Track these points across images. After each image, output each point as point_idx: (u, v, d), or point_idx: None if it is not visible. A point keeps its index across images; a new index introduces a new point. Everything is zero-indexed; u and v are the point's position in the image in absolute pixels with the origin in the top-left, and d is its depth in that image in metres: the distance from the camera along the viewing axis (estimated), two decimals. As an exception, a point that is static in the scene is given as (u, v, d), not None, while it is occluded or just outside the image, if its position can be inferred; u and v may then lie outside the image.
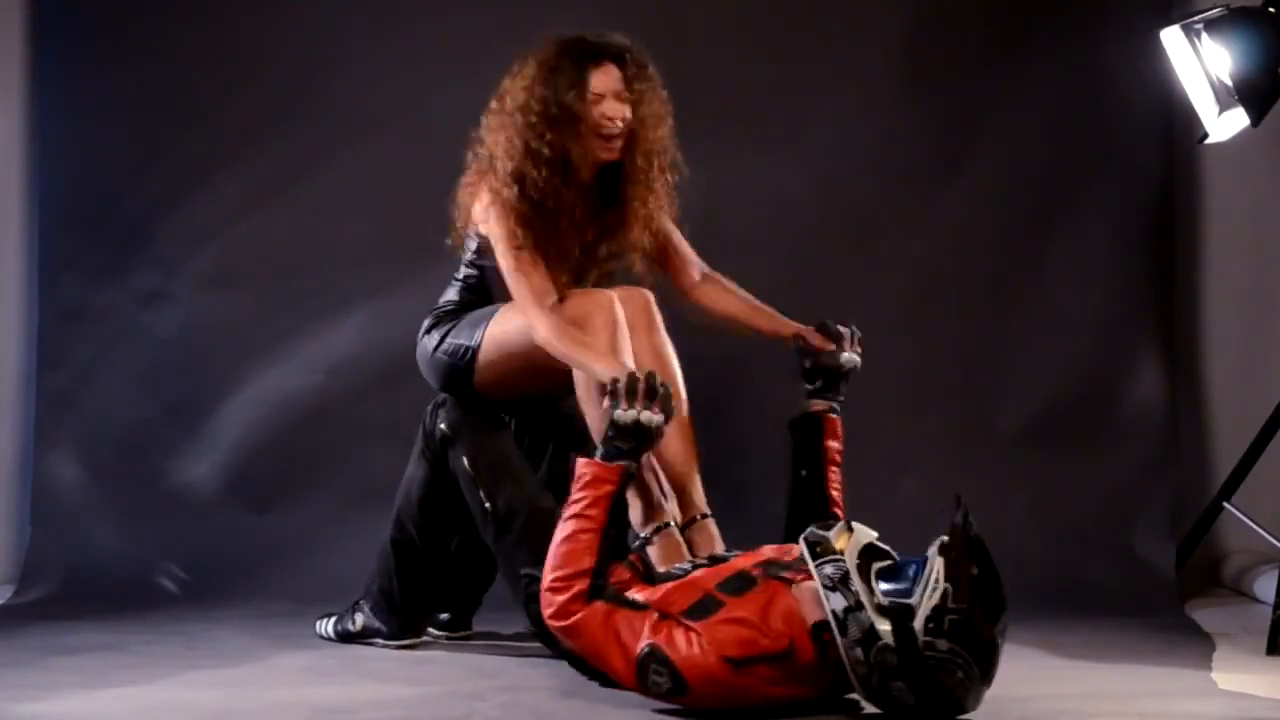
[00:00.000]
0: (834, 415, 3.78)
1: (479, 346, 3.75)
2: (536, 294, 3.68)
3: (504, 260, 3.74)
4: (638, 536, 3.58)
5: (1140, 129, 4.72)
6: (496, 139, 3.76)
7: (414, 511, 3.82)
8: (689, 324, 3.90)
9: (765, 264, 4.54)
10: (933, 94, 4.71)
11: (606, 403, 3.44)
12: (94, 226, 4.70)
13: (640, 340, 3.71)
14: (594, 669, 3.42)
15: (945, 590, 2.98)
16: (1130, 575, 4.56)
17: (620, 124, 3.75)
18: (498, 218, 3.74)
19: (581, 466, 3.43)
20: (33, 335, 4.71)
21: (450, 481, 3.76)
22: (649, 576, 3.46)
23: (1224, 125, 4.03)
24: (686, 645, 3.18)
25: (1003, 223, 4.74)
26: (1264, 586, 4.43)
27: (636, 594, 3.36)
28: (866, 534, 3.16)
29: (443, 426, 3.76)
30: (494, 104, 3.80)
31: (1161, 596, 4.45)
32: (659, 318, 3.76)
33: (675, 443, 3.65)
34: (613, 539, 3.40)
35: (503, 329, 3.74)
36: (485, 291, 3.83)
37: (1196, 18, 3.96)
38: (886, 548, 3.14)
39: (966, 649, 2.98)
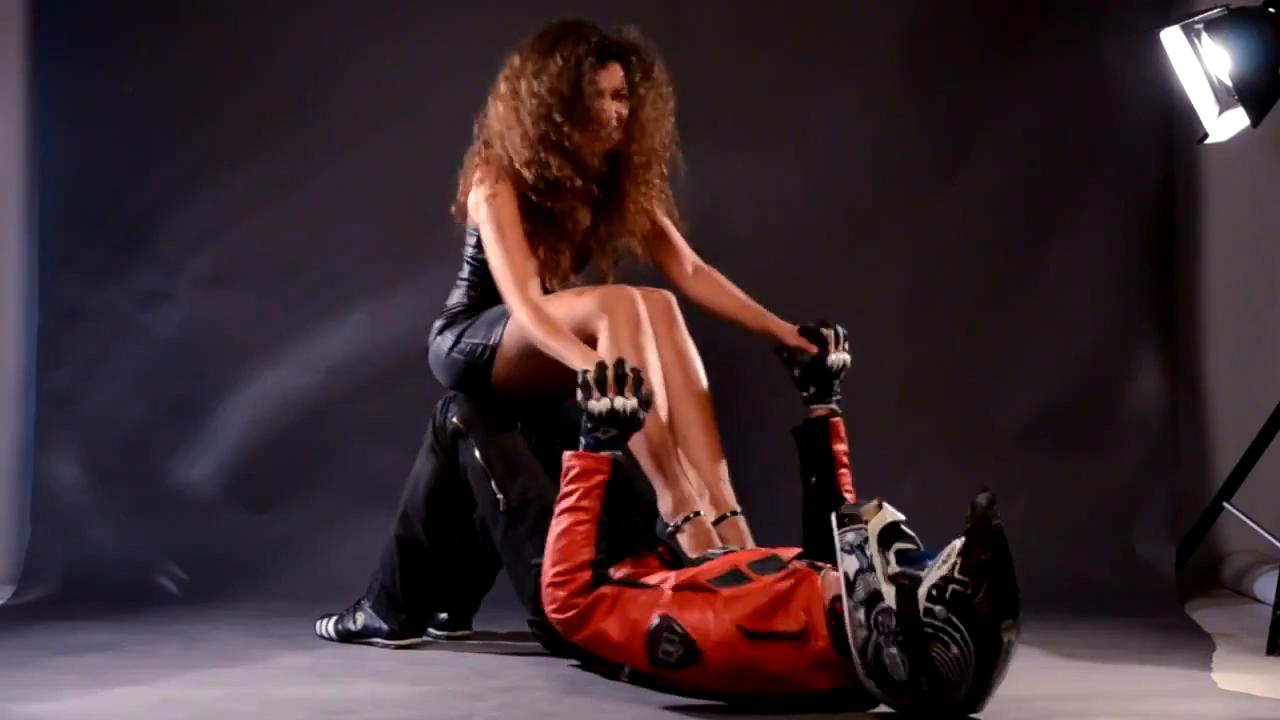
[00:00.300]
0: (836, 418, 3.77)
1: (498, 345, 3.75)
2: (519, 281, 3.71)
3: (490, 245, 3.76)
4: (667, 525, 3.59)
5: (1140, 129, 4.72)
6: (506, 123, 3.78)
7: (420, 507, 3.82)
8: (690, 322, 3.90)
9: (765, 264, 4.55)
10: (933, 94, 4.71)
11: (580, 395, 3.44)
12: (94, 226, 4.70)
13: (663, 341, 3.71)
14: (596, 661, 3.43)
15: (955, 563, 2.97)
16: (1130, 575, 4.56)
17: (615, 122, 3.78)
18: (490, 201, 3.75)
19: (569, 460, 3.43)
20: (33, 335, 4.71)
21: (458, 478, 3.76)
22: (678, 564, 3.46)
23: (1224, 125, 4.03)
24: (701, 614, 3.18)
25: (1003, 223, 4.74)
26: (1264, 586, 4.43)
27: (652, 579, 3.36)
28: (894, 514, 3.13)
29: (454, 420, 3.76)
30: (503, 86, 3.81)
31: (1161, 596, 4.45)
32: (680, 318, 3.77)
33: (701, 441, 3.67)
34: (608, 528, 3.40)
35: (521, 326, 3.74)
36: (491, 288, 3.83)
37: (1196, 18, 3.96)
38: (912, 533, 3.11)
39: (964, 624, 2.95)
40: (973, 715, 3.06)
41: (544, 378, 3.70)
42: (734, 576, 3.27)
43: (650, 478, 3.65)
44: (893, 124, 4.71)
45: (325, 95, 4.68)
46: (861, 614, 3.05)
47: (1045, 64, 4.71)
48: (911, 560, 3.05)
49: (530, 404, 3.83)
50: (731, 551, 3.46)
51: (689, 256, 3.97)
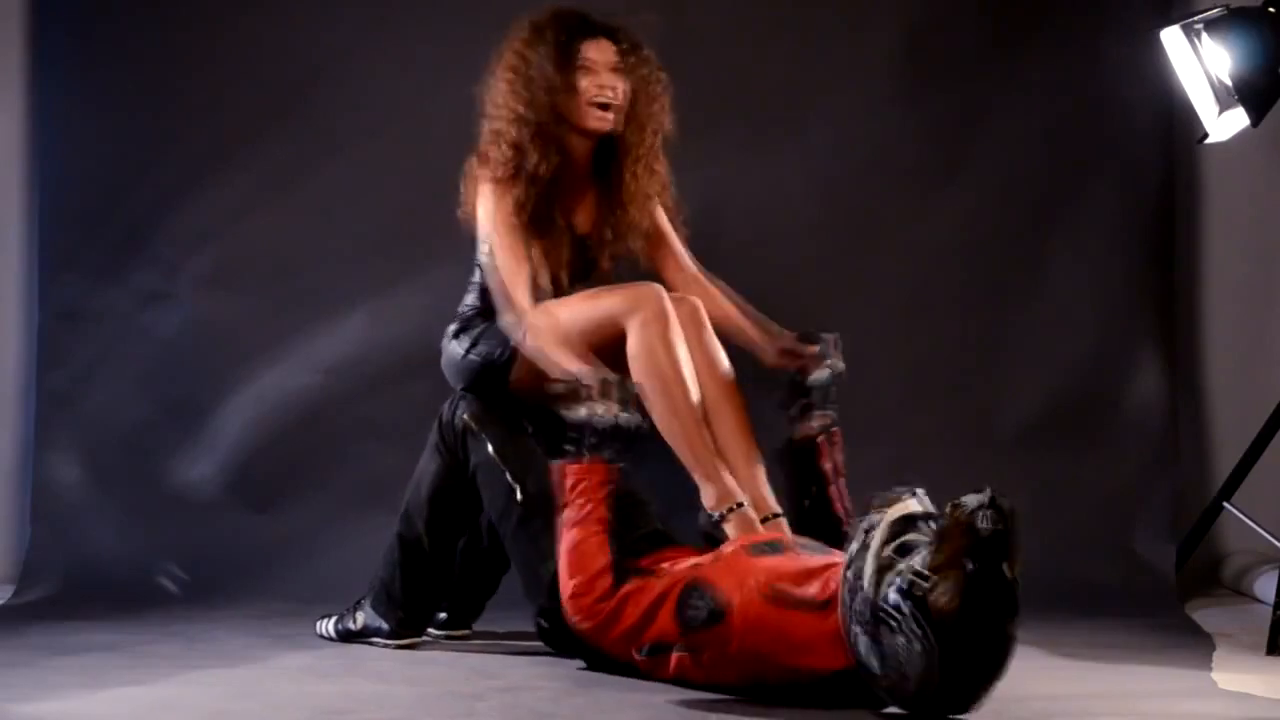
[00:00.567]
0: (822, 436, 3.74)
1: (516, 347, 3.74)
2: (511, 282, 3.72)
3: (483, 243, 3.77)
4: (711, 517, 3.60)
5: (1140, 129, 4.72)
6: (495, 106, 3.81)
7: (423, 507, 3.82)
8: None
9: (765, 264, 4.55)
10: (933, 94, 4.71)
11: (581, 411, 3.45)
12: (94, 226, 4.70)
13: (693, 346, 3.71)
14: (602, 656, 3.44)
15: (924, 556, 2.96)
16: (1130, 575, 4.56)
17: (614, 95, 3.78)
18: (488, 202, 3.76)
19: (574, 475, 3.44)
20: (33, 335, 4.71)
21: (464, 478, 3.76)
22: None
23: (1224, 125, 4.03)
24: (729, 577, 3.21)
25: (1003, 223, 4.74)
26: (1264, 586, 4.43)
27: (681, 563, 3.38)
28: (921, 506, 3.09)
29: (465, 417, 3.75)
30: (493, 72, 3.83)
31: (1161, 596, 4.45)
32: (708, 324, 3.76)
33: (737, 445, 3.68)
34: (616, 530, 3.41)
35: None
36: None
37: (1196, 18, 3.96)
38: (932, 527, 3.06)
39: (919, 618, 2.93)
40: (971, 716, 3.06)
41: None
42: (771, 546, 3.30)
43: (690, 472, 3.65)
44: (893, 124, 4.71)
45: (326, 96, 4.68)
46: (845, 592, 3.05)
47: (1045, 64, 4.71)
48: (909, 549, 3.04)
49: (539, 407, 3.82)
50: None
51: (687, 263, 3.96)
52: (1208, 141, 4.14)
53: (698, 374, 3.70)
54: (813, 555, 3.29)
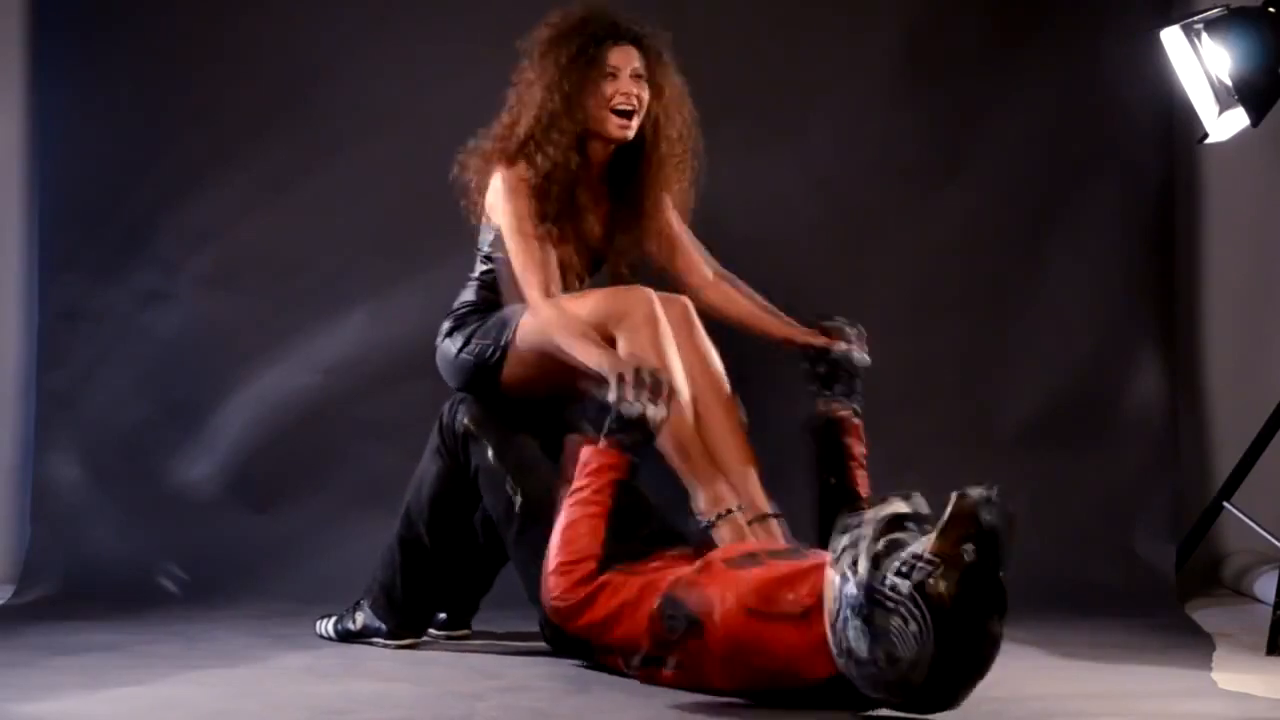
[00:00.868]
0: (857, 419, 3.76)
1: (509, 345, 3.74)
2: (540, 279, 3.71)
3: (511, 241, 3.76)
4: (701, 523, 3.60)
5: (1140, 129, 4.72)
6: (515, 102, 3.80)
7: (424, 509, 3.81)
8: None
9: (764, 264, 4.53)
10: (933, 94, 4.71)
11: (611, 394, 3.44)
12: (94, 226, 4.70)
13: (683, 345, 3.71)
14: (597, 653, 3.43)
15: (929, 543, 2.96)
16: (1130, 575, 4.56)
17: (636, 103, 3.78)
18: (509, 196, 3.76)
19: (588, 454, 3.44)
20: (33, 335, 4.71)
21: (464, 479, 3.76)
22: None
23: (1224, 125, 4.03)
24: (708, 590, 3.20)
25: (1003, 223, 4.74)
26: (1264, 586, 4.43)
27: (665, 569, 3.38)
28: (905, 506, 3.11)
29: (465, 421, 3.75)
30: (517, 73, 3.84)
31: (1161, 596, 4.46)
32: (699, 322, 3.76)
33: (729, 444, 3.68)
34: (615, 524, 3.41)
35: (537, 326, 3.73)
36: (503, 288, 3.83)
37: (1196, 18, 3.97)
38: (917, 528, 3.06)
39: (925, 603, 2.92)
40: (971, 716, 3.06)
41: (555, 379, 3.70)
42: (748, 559, 3.29)
43: (682, 477, 3.65)
44: (893, 124, 4.71)
45: (326, 95, 4.68)
46: (836, 585, 3.05)
47: (1045, 64, 4.71)
48: (898, 547, 3.03)
49: (537, 406, 3.82)
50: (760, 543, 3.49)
51: (705, 262, 3.97)
52: (1208, 141, 4.14)
53: (689, 374, 3.70)
54: (789, 562, 3.27)
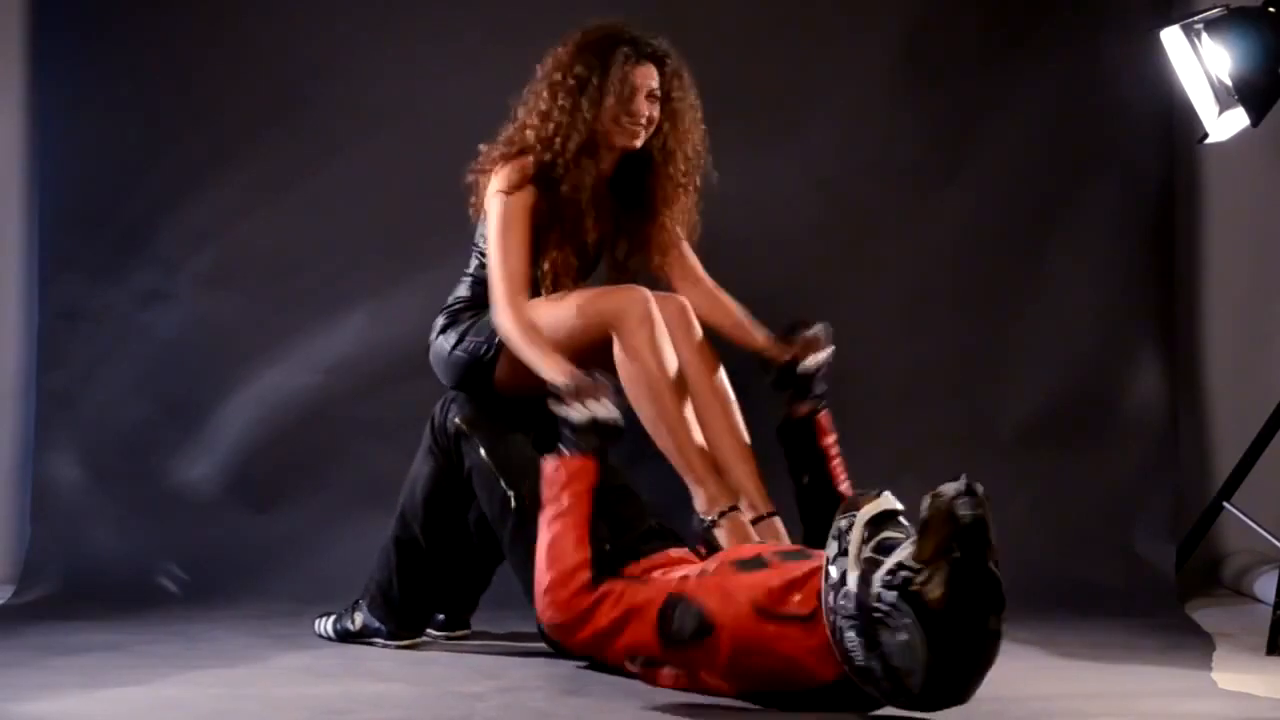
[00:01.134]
0: (819, 413, 3.77)
1: (502, 343, 3.74)
2: (510, 283, 3.73)
3: (492, 239, 3.77)
4: (703, 521, 3.59)
5: (1140, 129, 4.72)
6: (530, 109, 3.82)
7: (418, 509, 3.82)
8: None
9: (764, 264, 4.55)
10: (933, 94, 4.71)
11: (558, 408, 3.47)
12: (94, 226, 4.70)
13: (681, 344, 3.72)
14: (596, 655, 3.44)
15: (911, 549, 2.97)
16: (1130, 575, 4.56)
17: (645, 121, 3.81)
18: (503, 196, 3.76)
19: (551, 468, 3.45)
20: (33, 335, 4.71)
21: (458, 479, 3.76)
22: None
23: (1224, 125, 4.03)
24: (716, 592, 3.20)
25: (1003, 223, 4.74)
26: (1264, 586, 4.43)
27: (669, 572, 3.39)
28: (891, 503, 3.12)
29: (457, 420, 3.75)
30: (538, 81, 3.86)
31: (1161, 596, 4.45)
32: (696, 322, 3.77)
33: (728, 443, 3.68)
34: (597, 526, 3.42)
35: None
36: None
37: (1196, 18, 3.97)
38: (906, 524, 3.08)
39: (913, 611, 2.93)
40: (971, 716, 3.05)
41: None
42: (755, 562, 3.28)
43: (682, 476, 3.66)
44: (893, 124, 4.71)
45: (325, 95, 4.67)
46: (831, 597, 3.05)
47: (1045, 64, 4.71)
48: (888, 549, 3.03)
49: (529, 404, 3.82)
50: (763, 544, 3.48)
51: (696, 270, 3.97)
52: (1208, 141, 4.14)
53: (687, 373, 3.71)
54: (796, 564, 3.27)
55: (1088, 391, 4.73)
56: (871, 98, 4.72)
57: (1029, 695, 3.29)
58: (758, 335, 3.89)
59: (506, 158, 3.83)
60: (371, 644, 3.87)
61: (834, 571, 3.05)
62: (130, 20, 4.70)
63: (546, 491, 3.46)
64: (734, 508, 3.62)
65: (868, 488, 3.15)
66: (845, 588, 3.01)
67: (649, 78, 3.83)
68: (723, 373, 3.76)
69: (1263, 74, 3.87)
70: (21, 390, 4.73)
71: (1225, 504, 4.43)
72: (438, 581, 3.88)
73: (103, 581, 4.51)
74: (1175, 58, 4.03)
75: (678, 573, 3.38)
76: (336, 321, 4.68)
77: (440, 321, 3.89)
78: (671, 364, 3.67)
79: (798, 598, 3.16)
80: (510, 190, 3.79)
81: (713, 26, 4.65)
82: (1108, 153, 4.73)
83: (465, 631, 3.98)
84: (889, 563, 2.97)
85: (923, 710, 3.04)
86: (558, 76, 3.82)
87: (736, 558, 3.35)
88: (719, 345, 3.86)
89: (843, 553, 3.04)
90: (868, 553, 3.02)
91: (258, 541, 4.60)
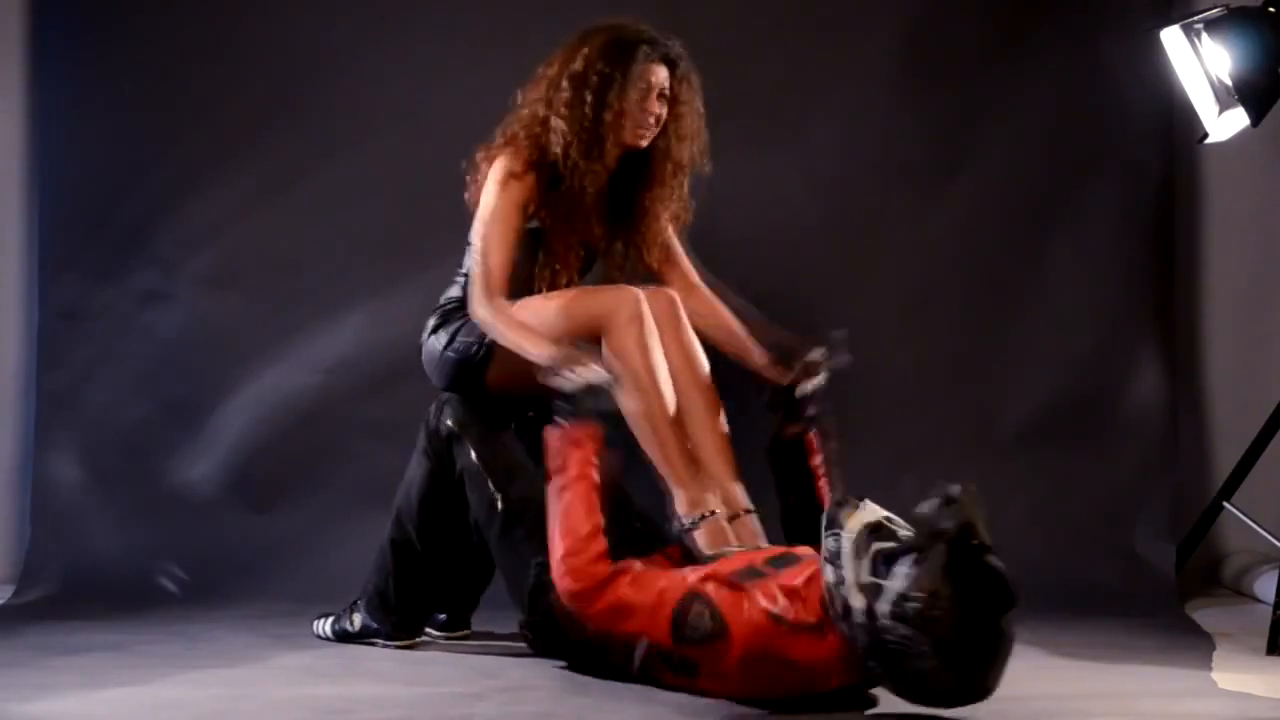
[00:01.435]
0: (809, 433, 3.74)
1: (493, 343, 3.74)
2: (490, 272, 3.73)
3: (480, 229, 3.78)
4: (682, 524, 3.59)
5: (1140, 129, 4.72)
6: (536, 103, 3.82)
7: (414, 511, 3.81)
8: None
9: (764, 264, 4.55)
10: (933, 94, 4.71)
11: (550, 381, 3.47)
12: (94, 226, 4.70)
13: (669, 341, 3.71)
14: (594, 652, 3.43)
15: (911, 576, 2.97)
16: (1130, 575, 4.56)
17: (653, 120, 3.81)
18: (497, 187, 3.77)
19: (554, 439, 3.45)
20: (33, 335, 4.71)
21: (452, 480, 3.76)
22: (690, 563, 3.47)
23: (1224, 125, 4.03)
24: (733, 596, 3.20)
25: (1003, 223, 4.74)
26: (1264, 586, 4.43)
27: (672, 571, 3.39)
28: (874, 513, 3.12)
29: (449, 422, 3.75)
30: (540, 70, 3.85)
31: (1161, 596, 4.45)
32: (685, 318, 3.76)
33: (710, 441, 3.67)
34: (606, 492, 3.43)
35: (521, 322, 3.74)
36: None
37: (1196, 18, 3.97)
38: (895, 527, 3.08)
39: (927, 637, 2.94)
40: (970, 715, 3.06)
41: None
42: (750, 573, 3.27)
43: (663, 476, 3.65)
44: (893, 124, 4.71)
45: (325, 95, 4.68)
46: (844, 626, 3.06)
47: (1045, 64, 4.71)
48: (888, 560, 3.03)
49: (522, 406, 3.82)
50: (745, 550, 3.47)
51: (690, 272, 3.97)
52: (1208, 141, 4.14)
53: (673, 370, 3.70)
54: (789, 572, 3.26)
55: (1088, 391, 4.73)
56: (872, 97, 4.72)
57: (1029, 695, 3.29)
58: (753, 350, 3.86)
59: (512, 145, 3.82)
60: (371, 644, 3.87)
61: (837, 601, 3.06)
62: (130, 20, 4.70)
63: (551, 462, 3.45)
64: (714, 512, 3.61)
65: (868, 489, 3.15)
66: (851, 619, 3.02)
67: (662, 77, 3.83)
68: (708, 369, 3.75)
69: (1263, 74, 3.87)
70: (21, 390, 4.73)
71: (1225, 504, 4.43)
72: (434, 583, 3.88)
73: (103, 581, 4.51)
74: (1175, 58, 4.03)
75: (690, 570, 3.37)
76: (336, 321, 4.68)
77: (432, 322, 3.89)
78: (659, 364, 3.66)
79: (802, 608, 3.16)
80: (507, 179, 3.79)
81: (713, 26, 4.65)
82: (1108, 153, 4.73)
83: (465, 631, 3.98)
84: (890, 592, 2.98)
85: (949, 707, 3.05)
86: (579, 70, 3.80)
87: (732, 569, 3.31)
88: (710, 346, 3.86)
89: (840, 581, 3.05)
90: (865, 577, 3.02)
91: (258, 541, 4.60)
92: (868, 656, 3.03)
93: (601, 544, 3.35)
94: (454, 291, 3.91)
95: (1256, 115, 3.89)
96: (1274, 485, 4.53)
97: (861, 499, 3.14)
